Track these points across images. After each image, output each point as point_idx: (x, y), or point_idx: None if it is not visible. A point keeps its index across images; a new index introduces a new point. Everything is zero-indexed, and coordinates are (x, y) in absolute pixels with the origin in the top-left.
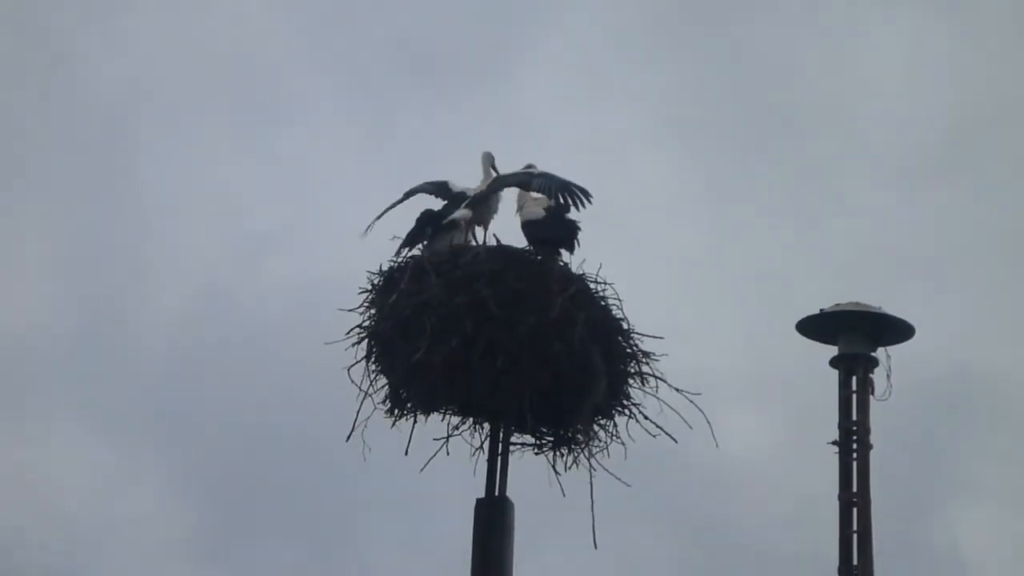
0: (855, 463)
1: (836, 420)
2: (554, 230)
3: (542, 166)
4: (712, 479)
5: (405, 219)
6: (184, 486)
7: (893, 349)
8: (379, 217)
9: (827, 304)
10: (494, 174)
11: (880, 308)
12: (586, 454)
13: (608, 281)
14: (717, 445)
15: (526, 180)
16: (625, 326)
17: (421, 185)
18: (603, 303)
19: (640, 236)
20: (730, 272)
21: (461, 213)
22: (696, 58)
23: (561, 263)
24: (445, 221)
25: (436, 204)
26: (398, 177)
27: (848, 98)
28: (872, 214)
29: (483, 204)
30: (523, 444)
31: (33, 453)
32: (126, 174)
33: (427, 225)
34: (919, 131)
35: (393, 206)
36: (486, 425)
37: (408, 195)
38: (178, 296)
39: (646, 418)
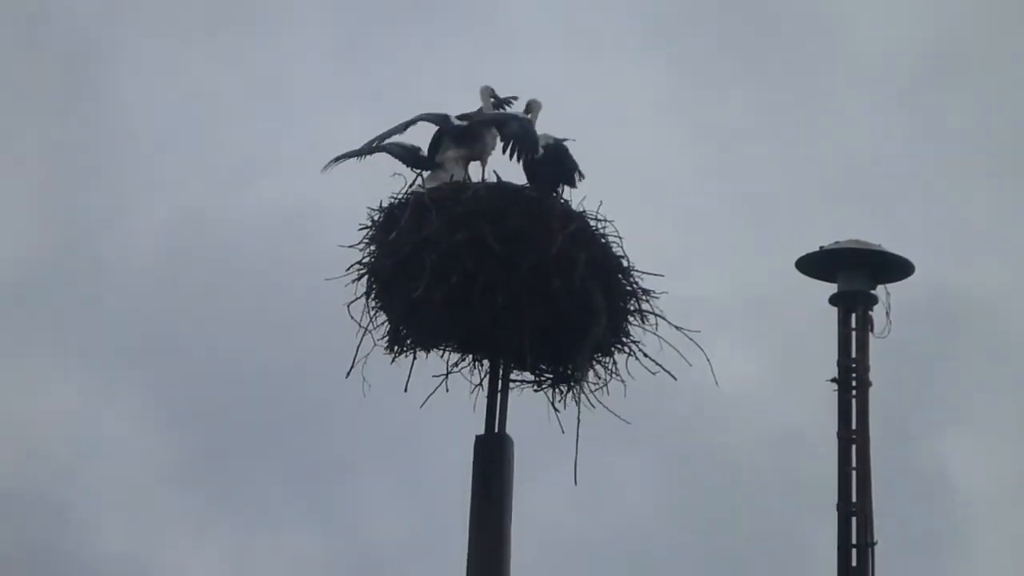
0: (854, 401)
1: (835, 358)
2: (554, 166)
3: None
4: (711, 416)
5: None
6: (172, 419)
7: (893, 286)
8: (374, 143)
9: (825, 237)
10: (494, 107)
11: (879, 246)
12: (586, 391)
13: (608, 218)
14: (716, 383)
15: (503, 121)
16: (625, 264)
17: (422, 115)
18: (603, 240)
19: (628, 159)
20: (725, 201)
21: (451, 153)
22: None
23: (562, 200)
24: (437, 159)
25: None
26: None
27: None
28: (864, 130)
29: (476, 140)
30: (522, 381)
31: (7, 381)
32: (99, 97)
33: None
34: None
35: (391, 133)
36: (486, 362)
37: (408, 124)
38: (159, 221)
39: (646, 355)
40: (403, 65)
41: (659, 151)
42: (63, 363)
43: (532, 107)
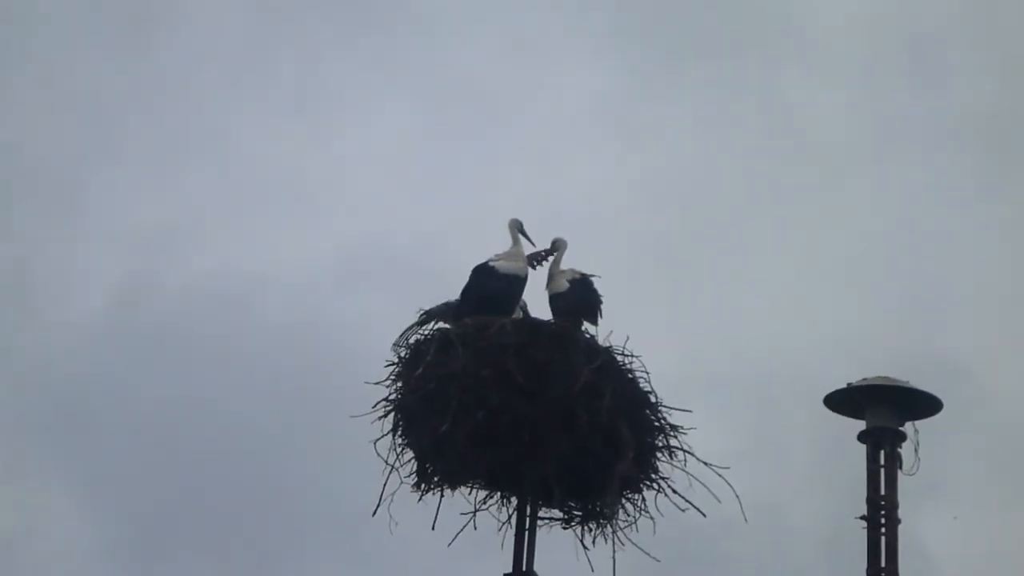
0: (883, 538)
1: (864, 494)
2: (577, 302)
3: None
4: (740, 553)
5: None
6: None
7: (921, 423)
8: (400, 342)
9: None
10: (523, 240)
11: (907, 382)
12: (613, 528)
13: (635, 354)
14: (746, 519)
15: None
16: (652, 399)
17: (438, 307)
18: (630, 375)
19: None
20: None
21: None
22: None
23: (587, 335)
24: None
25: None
26: None
27: None
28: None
29: None
30: (551, 519)
31: None
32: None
33: None
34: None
35: (411, 329)
36: (514, 499)
37: (426, 319)
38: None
39: (674, 491)
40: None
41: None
42: None
43: (558, 245)
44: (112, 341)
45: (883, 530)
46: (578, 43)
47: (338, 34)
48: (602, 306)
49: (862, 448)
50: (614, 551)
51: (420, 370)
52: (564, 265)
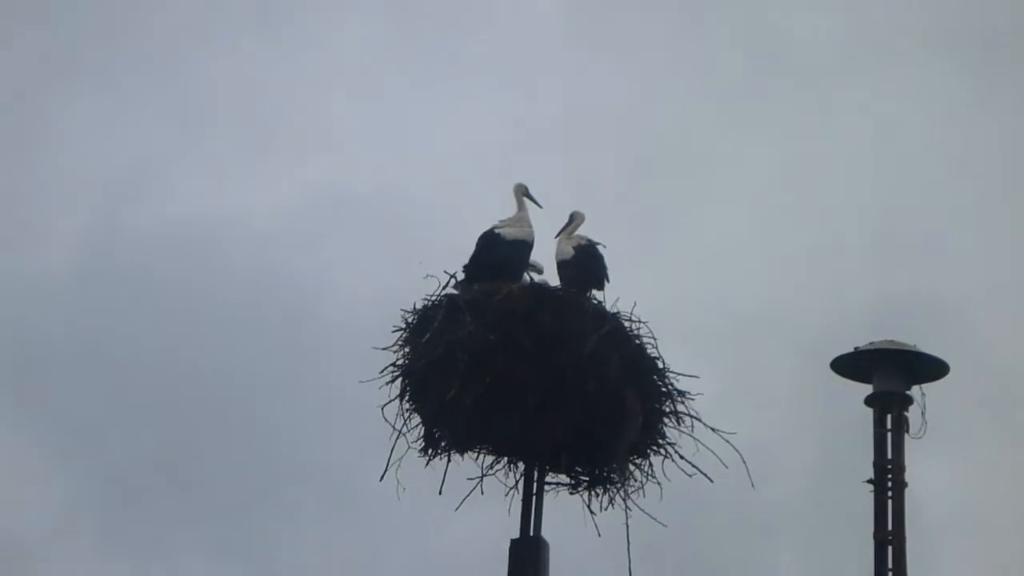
0: (890, 502)
1: (871, 458)
2: (583, 269)
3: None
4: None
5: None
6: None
7: (928, 387)
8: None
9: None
10: (529, 204)
11: (914, 346)
12: (622, 494)
13: (642, 319)
14: (752, 485)
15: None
16: (660, 364)
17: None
18: (637, 341)
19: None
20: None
21: None
22: None
23: (595, 301)
24: None
25: None
26: None
27: None
28: None
29: None
30: (558, 484)
31: None
32: None
33: None
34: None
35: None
36: (521, 464)
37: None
38: None
39: (681, 457)
40: None
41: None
42: None
43: (575, 218)
44: (79, 291)
45: (890, 494)
46: None
47: None
48: (607, 274)
49: (869, 412)
50: (627, 518)
51: (428, 336)
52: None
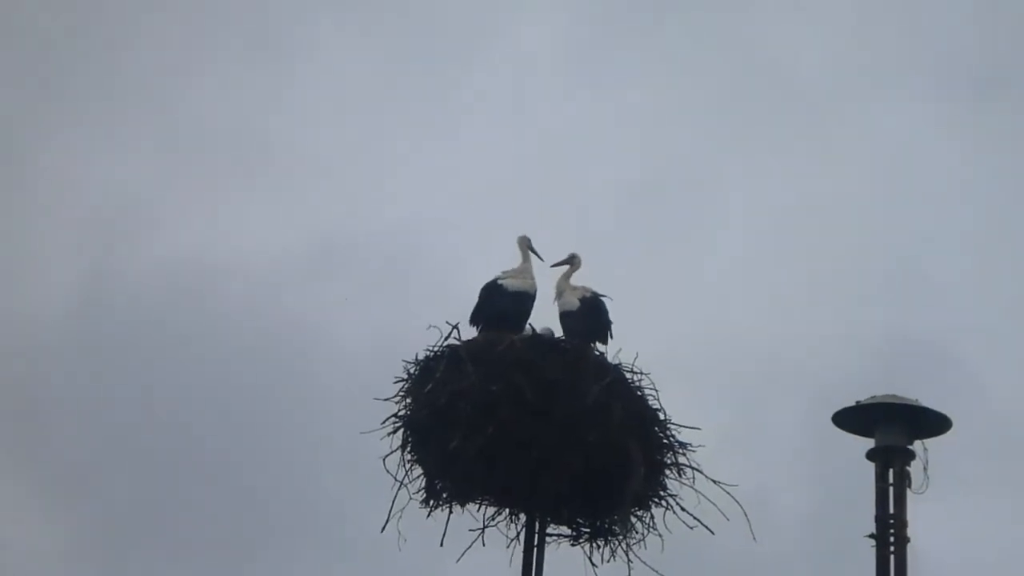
0: (892, 557)
1: (873, 511)
2: (588, 321)
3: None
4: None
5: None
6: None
7: (930, 441)
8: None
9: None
10: (533, 256)
11: (917, 400)
12: (623, 546)
13: (644, 371)
14: (754, 538)
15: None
16: (661, 416)
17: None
18: (639, 393)
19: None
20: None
21: None
22: None
23: (597, 352)
24: None
25: None
26: None
27: None
28: None
29: None
30: (559, 535)
31: None
32: None
33: None
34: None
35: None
36: (522, 516)
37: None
38: None
39: (683, 509)
40: None
41: None
42: None
43: (574, 261)
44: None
45: (892, 549)
46: None
47: None
48: (611, 327)
49: (871, 466)
50: (629, 570)
51: (430, 386)
52: (575, 281)
